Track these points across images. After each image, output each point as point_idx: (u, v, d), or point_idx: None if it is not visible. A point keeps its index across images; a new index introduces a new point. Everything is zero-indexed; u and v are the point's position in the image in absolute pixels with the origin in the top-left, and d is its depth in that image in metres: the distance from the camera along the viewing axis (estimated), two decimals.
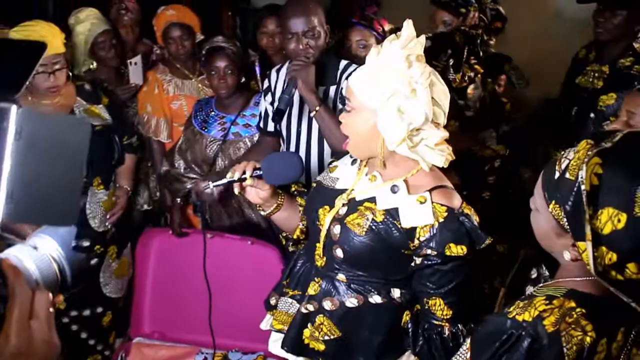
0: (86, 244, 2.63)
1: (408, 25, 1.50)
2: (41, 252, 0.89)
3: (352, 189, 1.67)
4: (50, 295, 0.87)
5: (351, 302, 1.64)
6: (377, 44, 2.83)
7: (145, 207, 3.26)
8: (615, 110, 2.40)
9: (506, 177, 2.35)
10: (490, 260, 1.59)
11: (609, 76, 2.62)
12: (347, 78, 2.34)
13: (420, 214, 1.52)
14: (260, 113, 2.62)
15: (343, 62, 2.42)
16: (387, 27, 2.83)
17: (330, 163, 1.85)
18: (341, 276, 1.66)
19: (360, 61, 2.71)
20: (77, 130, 0.78)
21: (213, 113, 2.85)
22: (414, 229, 1.53)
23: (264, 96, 2.57)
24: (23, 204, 0.74)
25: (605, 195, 1.11)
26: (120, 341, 2.96)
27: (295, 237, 1.86)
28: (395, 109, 1.47)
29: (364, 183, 1.65)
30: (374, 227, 1.57)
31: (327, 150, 2.43)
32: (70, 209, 0.78)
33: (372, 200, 1.61)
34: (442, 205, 1.52)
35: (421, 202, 1.52)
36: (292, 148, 2.53)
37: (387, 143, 1.53)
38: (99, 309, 2.76)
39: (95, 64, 3.12)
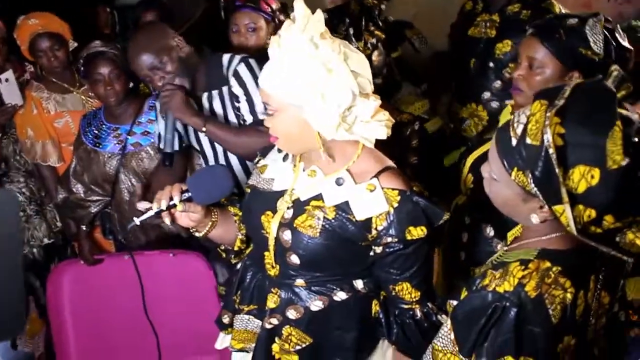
0: None
1: (299, 4, 1.38)
2: None
3: (293, 189, 1.56)
4: None
5: (316, 305, 1.55)
6: (267, 25, 2.73)
7: (46, 240, 2.95)
8: (514, 57, 2.45)
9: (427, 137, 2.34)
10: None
11: (500, 24, 2.66)
12: (233, 74, 2.20)
13: (372, 203, 1.44)
14: (158, 134, 2.42)
15: (225, 58, 2.26)
16: (274, 5, 2.70)
17: (257, 162, 1.71)
18: (299, 281, 1.56)
19: (251, 47, 2.62)
20: (6, 205, 0.61)
21: (104, 126, 2.60)
22: (369, 219, 1.45)
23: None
24: None
25: (573, 154, 1.09)
26: None
27: (236, 248, 1.72)
28: (319, 97, 1.37)
29: (303, 180, 1.54)
30: (327, 225, 1.47)
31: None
32: (16, 316, 0.62)
33: (318, 197, 1.50)
34: (393, 189, 1.45)
35: (371, 190, 1.44)
36: (211, 159, 2.38)
37: (323, 133, 1.43)
38: None
39: None
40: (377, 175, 1.47)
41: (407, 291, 1.52)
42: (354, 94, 1.38)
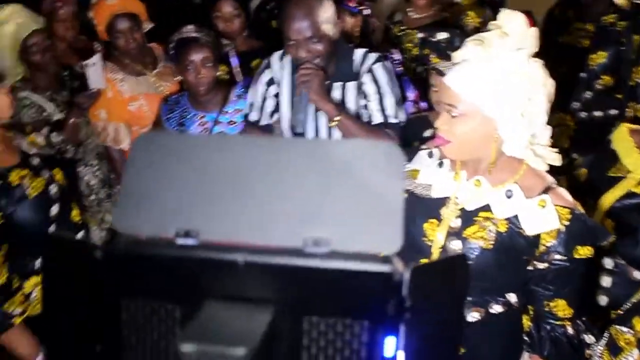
0: None
1: (518, 19, 1.36)
2: None
3: (457, 197, 1.52)
4: None
5: (472, 316, 1.51)
6: (353, 17, 2.69)
7: None
8: (607, 67, 2.43)
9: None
10: None
11: (595, 34, 2.64)
12: (368, 71, 2.15)
13: (544, 219, 1.41)
14: (252, 104, 2.35)
15: (359, 52, 2.21)
16: None
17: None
18: None
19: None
20: None
21: (190, 113, 2.53)
22: (538, 235, 1.42)
23: (267, 86, 2.29)
24: None
25: None
26: None
27: None
28: (519, 115, 1.35)
29: (468, 189, 1.50)
30: (499, 238, 1.44)
31: None
32: None
33: (486, 208, 1.47)
34: (563, 207, 1.42)
35: (542, 206, 1.41)
36: None
37: (506, 148, 1.41)
38: None
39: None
40: (546, 192, 1.45)
41: (561, 308, 1.49)
42: (545, 117, 1.39)
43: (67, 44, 2.90)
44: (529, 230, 1.43)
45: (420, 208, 1.55)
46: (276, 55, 2.29)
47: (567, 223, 1.42)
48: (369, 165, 0.58)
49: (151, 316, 0.56)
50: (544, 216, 1.42)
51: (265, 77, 2.31)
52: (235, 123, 2.49)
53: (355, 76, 2.18)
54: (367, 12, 2.72)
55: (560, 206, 1.43)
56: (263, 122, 2.33)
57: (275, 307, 0.54)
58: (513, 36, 1.36)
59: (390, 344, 0.54)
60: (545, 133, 1.43)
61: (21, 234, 2.02)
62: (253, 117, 2.34)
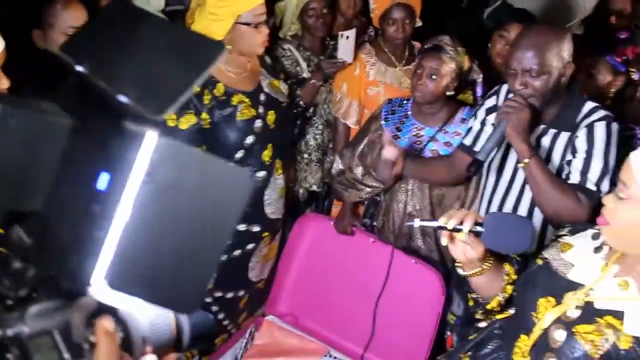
0: (256, 229, 2.51)
1: None
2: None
3: (591, 289, 1.30)
4: (155, 358, 0.68)
5: None
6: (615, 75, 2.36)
7: (314, 188, 3.09)
8: None
9: None
10: None
11: None
12: (587, 126, 1.92)
13: None
14: (470, 128, 2.27)
15: (588, 105, 1.98)
16: None
17: (560, 237, 1.47)
18: None
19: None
20: (236, 185, 0.54)
21: (409, 121, 2.53)
22: None
23: (488, 113, 2.20)
24: (130, 270, 0.52)
25: None
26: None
27: (489, 307, 1.53)
28: None
29: (609, 286, 1.28)
30: (613, 354, 1.21)
31: (538, 215, 2.01)
32: (196, 292, 0.55)
33: (619, 315, 1.24)
34: None
35: None
36: (485, 199, 2.17)
37: None
38: (241, 292, 2.66)
39: (300, 30, 2.99)
40: None
41: None
42: None
43: (346, 20, 3.14)
44: None
45: (547, 282, 1.37)
46: (506, 87, 2.17)
47: None
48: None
49: None
50: None
51: (489, 103, 2.22)
52: (451, 145, 2.43)
53: (575, 128, 1.95)
54: (636, 76, 2.35)
55: None
56: (477, 147, 2.22)
57: None
58: None
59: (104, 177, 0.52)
60: None
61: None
62: (467, 141, 2.26)
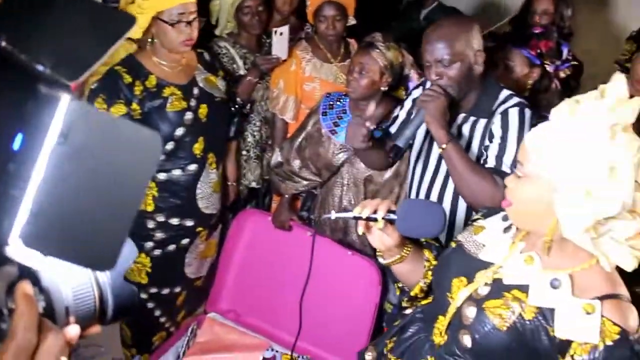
0: (189, 224, 2.52)
1: (619, 81, 1.16)
2: (85, 273, 0.71)
3: (500, 266, 1.36)
4: (78, 328, 0.69)
5: None
6: (531, 67, 2.49)
7: (254, 185, 3.12)
8: None
9: None
10: None
11: None
12: (502, 112, 2.01)
13: (582, 327, 1.20)
14: (397, 117, 2.34)
15: (504, 93, 2.08)
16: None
17: (475, 220, 1.54)
18: None
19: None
20: (147, 146, 0.57)
21: (346, 116, 2.58)
22: (568, 342, 1.21)
23: (413, 104, 2.27)
24: (46, 228, 0.54)
25: None
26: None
27: (412, 294, 1.58)
28: (583, 191, 1.16)
29: (516, 263, 1.35)
30: (518, 325, 1.27)
31: (463, 202, 2.09)
32: (112, 249, 0.57)
33: (524, 289, 1.30)
34: (614, 323, 1.19)
35: (587, 312, 1.20)
36: (423, 188, 2.21)
37: (562, 229, 1.22)
38: (177, 289, 2.66)
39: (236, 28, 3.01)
40: (601, 298, 1.22)
41: None
42: (624, 208, 1.15)
43: (282, 17, 3.18)
44: (560, 332, 1.22)
45: (460, 263, 1.43)
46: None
47: (609, 343, 1.17)
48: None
49: None
50: (585, 324, 1.20)
51: (415, 94, 2.30)
52: None
53: (492, 115, 2.05)
54: (551, 68, 2.48)
55: (611, 321, 1.19)
56: (399, 143, 2.27)
57: None
58: (609, 99, 1.17)
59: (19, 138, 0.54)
60: (628, 228, 1.18)
61: None
62: (392, 129, 2.33)
